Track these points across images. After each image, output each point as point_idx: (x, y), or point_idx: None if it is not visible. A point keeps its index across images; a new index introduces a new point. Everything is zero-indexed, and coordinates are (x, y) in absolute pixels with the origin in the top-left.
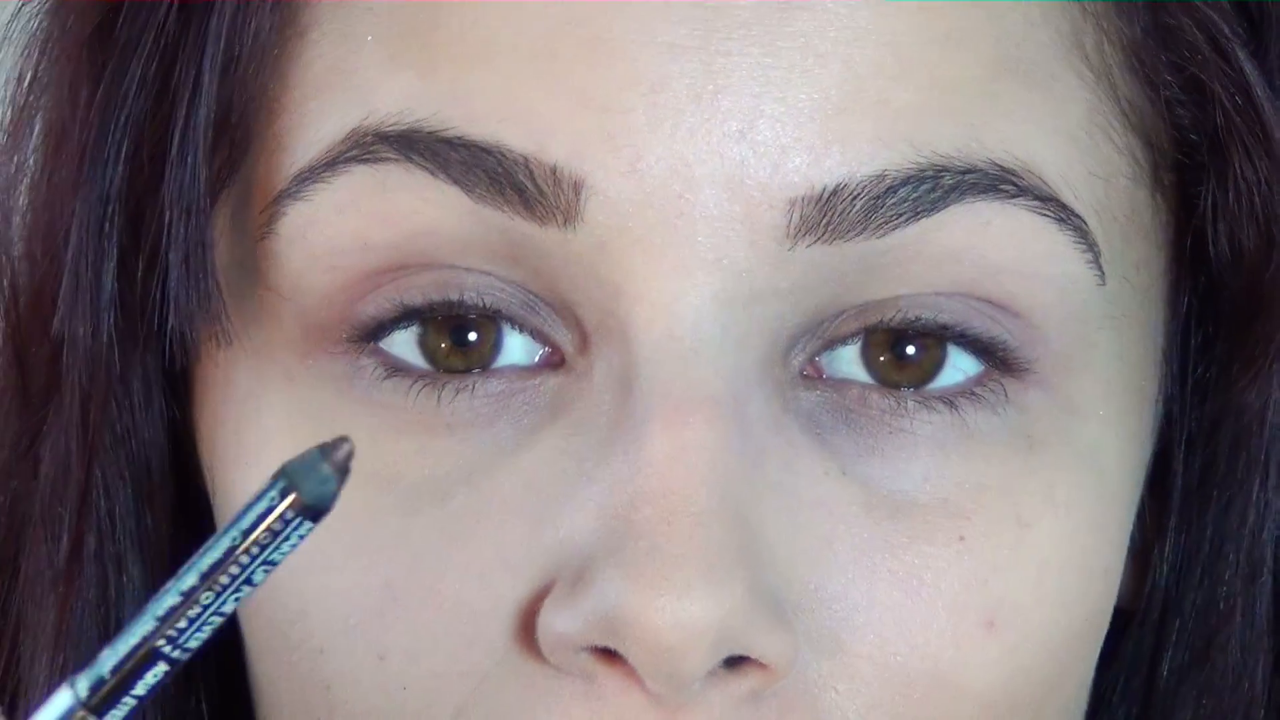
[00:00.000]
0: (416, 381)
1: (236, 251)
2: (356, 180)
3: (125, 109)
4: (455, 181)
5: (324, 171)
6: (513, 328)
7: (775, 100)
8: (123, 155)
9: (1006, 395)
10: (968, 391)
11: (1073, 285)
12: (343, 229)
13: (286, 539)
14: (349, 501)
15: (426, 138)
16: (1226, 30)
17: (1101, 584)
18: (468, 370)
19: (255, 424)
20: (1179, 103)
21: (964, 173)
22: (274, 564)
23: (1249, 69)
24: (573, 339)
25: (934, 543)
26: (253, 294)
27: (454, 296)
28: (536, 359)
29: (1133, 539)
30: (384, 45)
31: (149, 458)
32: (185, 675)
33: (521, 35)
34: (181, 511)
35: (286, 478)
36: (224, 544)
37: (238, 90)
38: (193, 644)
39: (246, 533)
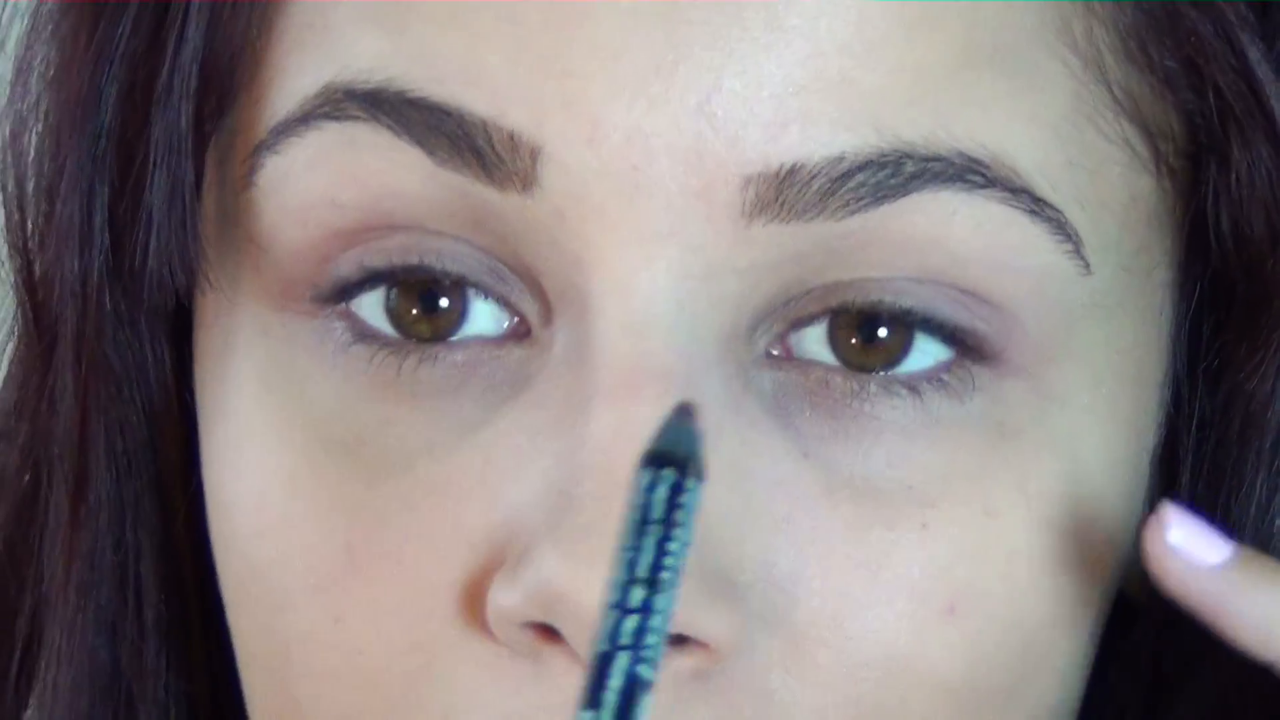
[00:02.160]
0: (382, 349)
1: (222, 201)
2: (327, 137)
3: (119, 50)
4: (418, 143)
5: (298, 126)
6: (480, 294)
7: (735, 74)
8: (116, 95)
9: (974, 383)
10: (934, 377)
11: (1050, 276)
12: (313, 185)
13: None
14: (315, 464)
15: (393, 97)
16: (1230, 15)
17: (1077, 574)
18: (434, 338)
19: (231, 373)
20: (1180, 89)
21: (928, 160)
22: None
23: (1253, 54)
24: (538, 309)
25: (896, 528)
26: (236, 244)
27: (419, 260)
28: (505, 328)
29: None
30: (359, 2)
31: (153, 396)
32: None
33: None
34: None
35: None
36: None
37: (223, 38)
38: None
39: (665, 523)
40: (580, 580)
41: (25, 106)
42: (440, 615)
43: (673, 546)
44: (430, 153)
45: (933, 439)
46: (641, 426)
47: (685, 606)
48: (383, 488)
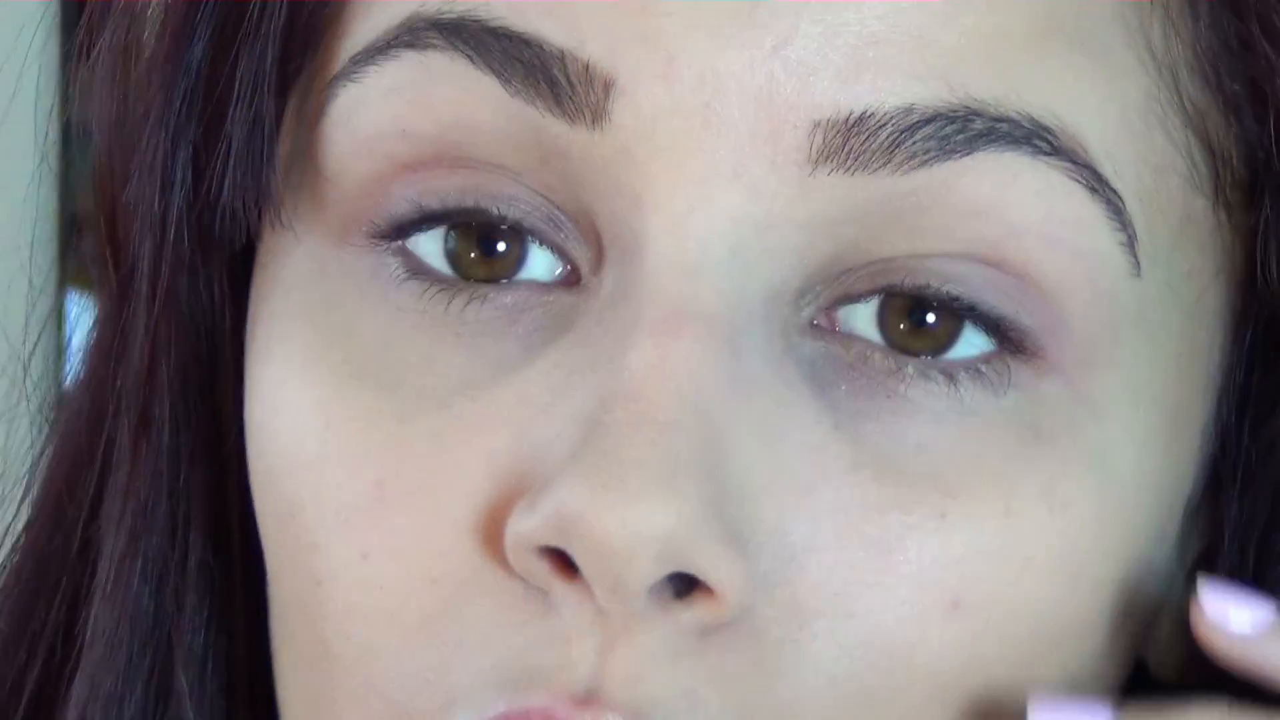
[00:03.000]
0: (433, 285)
1: (297, 139)
2: (405, 66)
3: None
4: (494, 72)
5: (377, 55)
6: (536, 242)
7: (813, 21)
8: (209, 32)
9: (1011, 379)
10: (972, 367)
11: (1102, 264)
12: (385, 113)
13: None
14: (350, 401)
15: (473, 26)
16: None
17: (1089, 594)
18: (490, 279)
19: (281, 311)
20: (1244, 114)
21: (996, 120)
22: None
23: None
24: (590, 256)
25: (914, 514)
26: (305, 180)
27: (475, 203)
28: (557, 274)
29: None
30: None
31: (214, 340)
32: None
33: None
34: None
35: None
36: None
37: None
38: None
39: None
40: (596, 504)
41: (113, 47)
42: (459, 549)
43: None
44: (505, 81)
45: (964, 429)
46: (680, 362)
47: (698, 547)
48: (416, 424)
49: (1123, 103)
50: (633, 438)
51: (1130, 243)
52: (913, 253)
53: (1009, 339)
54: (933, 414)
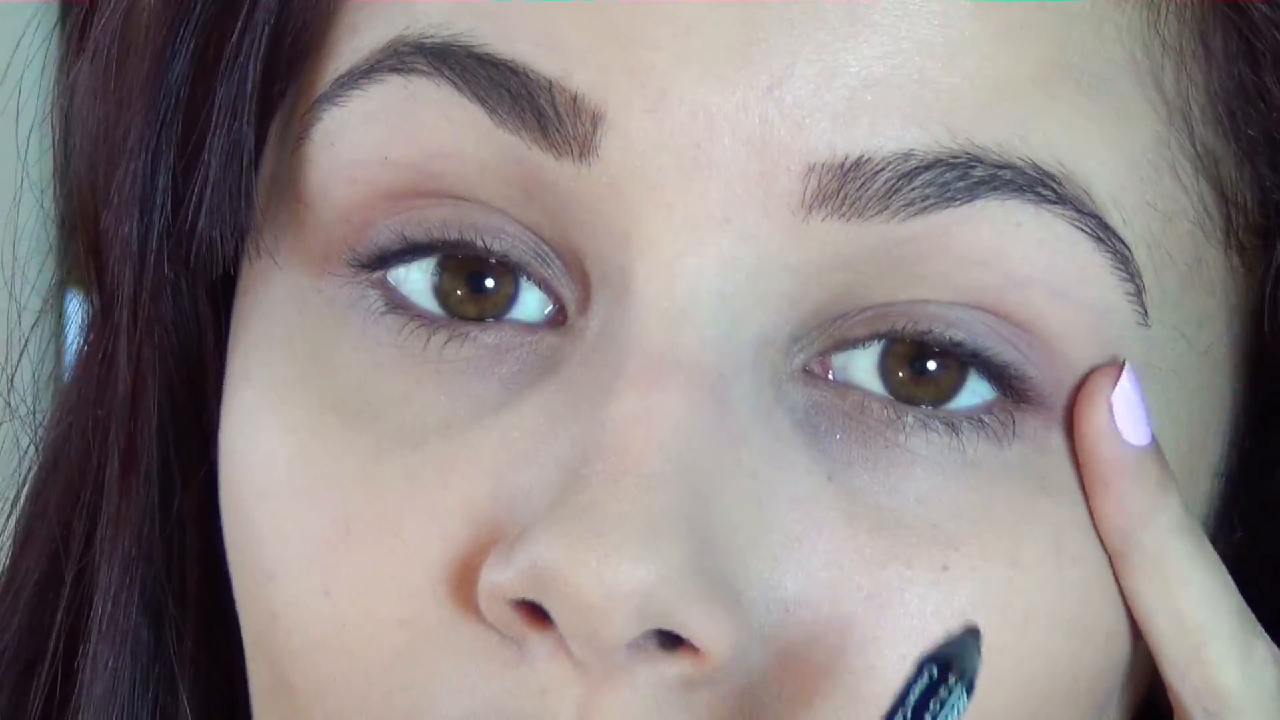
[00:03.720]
0: (412, 320)
1: (278, 165)
2: (389, 90)
3: (196, 9)
4: (479, 99)
5: (361, 78)
6: (528, 279)
7: (809, 62)
8: (188, 55)
9: (1016, 429)
10: (975, 417)
11: (1108, 316)
12: (367, 138)
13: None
14: (324, 434)
15: (459, 52)
16: None
17: (1100, 647)
18: (478, 318)
19: (261, 339)
20: (1258, 161)
21: (999, 167)
22: None
23: None
24: (577, 296)
25: (914, 566)
26: (285, 207)
27: (459, 236)
28: (544, 315)
29: None
30: None
31: (200, 366)
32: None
33: None
34: None
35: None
36: None
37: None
38: None
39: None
40: (574, 559)
41: (95, 63)
42: (429, 592)
43: None
44: (491, 110)
45: (966, 480)
46: (664, 414)
47: (680, 604)
48: (390, 462)
49: (1131, 148)
50: (613, 492)
51: (1138, 293)
52: (911, 299)
53: (1013, 388)
54: (933, 465)
